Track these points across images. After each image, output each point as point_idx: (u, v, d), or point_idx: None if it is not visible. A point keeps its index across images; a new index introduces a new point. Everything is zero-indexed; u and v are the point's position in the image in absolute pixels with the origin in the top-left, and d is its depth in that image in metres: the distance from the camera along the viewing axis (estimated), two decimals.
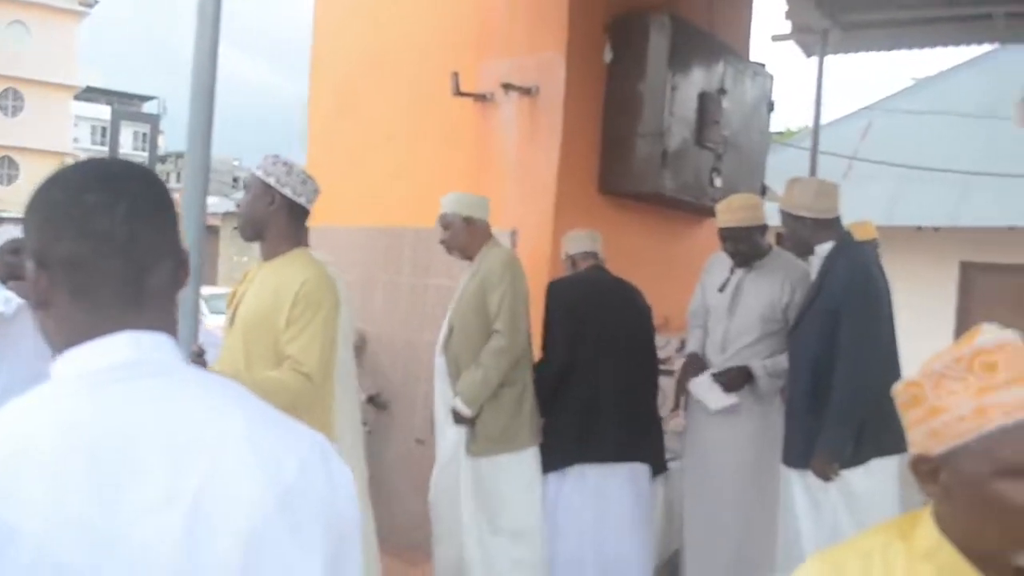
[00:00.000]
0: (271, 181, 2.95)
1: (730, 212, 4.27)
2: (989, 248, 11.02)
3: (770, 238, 4.62)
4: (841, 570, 1.30)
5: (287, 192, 2.95)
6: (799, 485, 3.67)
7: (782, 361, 4.11)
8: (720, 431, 4.29)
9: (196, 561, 0.97)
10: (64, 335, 1.15)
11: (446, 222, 4.26)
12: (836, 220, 3.86)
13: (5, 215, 40.35)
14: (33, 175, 43.21)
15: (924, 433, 1.27)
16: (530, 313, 4.24)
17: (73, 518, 0.96)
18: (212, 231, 29.10)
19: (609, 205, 5.29)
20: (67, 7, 43.72)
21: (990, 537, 1.24)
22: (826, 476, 3.52)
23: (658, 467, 4.45)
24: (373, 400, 5.23)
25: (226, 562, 0.97)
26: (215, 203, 34.06)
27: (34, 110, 43.28)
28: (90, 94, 56.31)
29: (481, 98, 5.15)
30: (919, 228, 11.08)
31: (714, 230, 6.39)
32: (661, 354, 5.24)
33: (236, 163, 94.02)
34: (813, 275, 3.92)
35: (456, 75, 5.04)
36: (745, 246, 4.28)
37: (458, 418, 4.04)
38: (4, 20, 42.04)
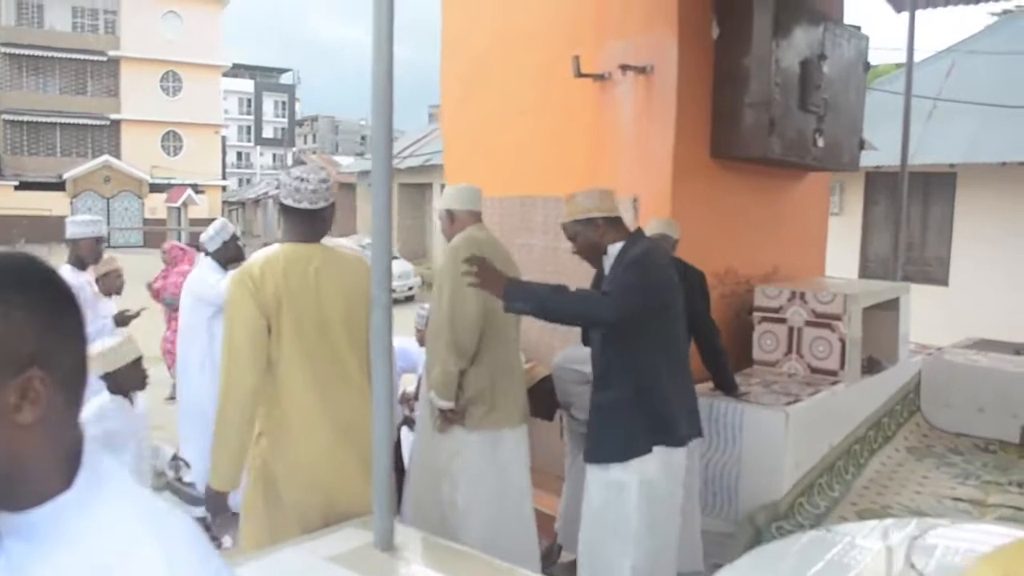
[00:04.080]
0: (279, 195, 2.95)
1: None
2: None
3: None
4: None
5: (281, 199, 2.93)
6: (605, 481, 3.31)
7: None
8: None
9: None
10: (54, 456, 0.94)
11: (439, 216, 4.03)
12: (621, 220, 3.43)
13: (175, 181, 42.01)
14: (194, 146, 44.77)
15: None
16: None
17: None
18: (349, 188, 29.61)
19: (719, 168, 5.18)
20: None
21: None
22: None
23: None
24: None
25: None
26: (350, 163, 34.78)
27: (190, 89, 44.50)
28: (235, 70, 57.55)
29: (600, 78, 5.08)
30: (1003, 164, 10.51)
31: (814, 182, 6.25)
32: (773, 303, 5.17)
33: (363, 123, 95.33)
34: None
35: (577, 58, 4.97)
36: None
37: (442, 411, 3.71)
38: (160, 11, 43.16)
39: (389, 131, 2.56)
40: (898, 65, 12.10)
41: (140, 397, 3.80)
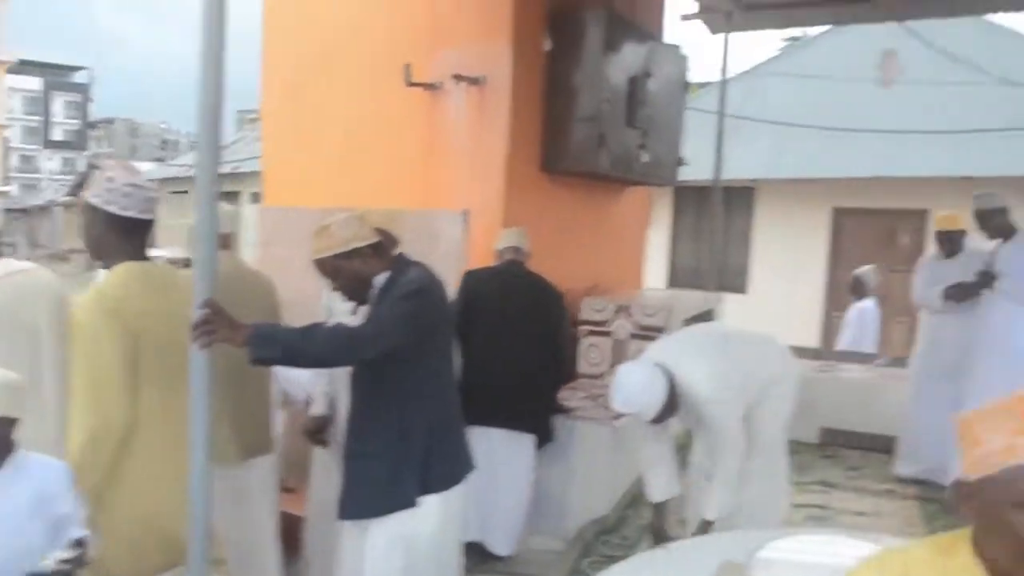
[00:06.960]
0: (97, 202, 2.52)
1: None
2: (856, 195, 11.26)
3: None
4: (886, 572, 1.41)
5: (112, 209, 2.50)
6: None
7: None
8: None
9: None
10: None
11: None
12: (382, 245, 2.88)
13: None
14: None
15: (967, 460, 1.33)
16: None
17: None
18: None
19: (550, 181, 5.18)
20: None
21: (1006, 559, 1.31)
22: None
23: (542, 438, 4.31)
24: None
25: None
26: (150, 168, 32.62)
27: None
28: (23, 67, 53.16)
29: (431, 87, 4.92)
30: (796, 179, 11.24)
31: (636, 196, 6.39)
32: (599, 316, 5.20)
33: (164, 126, 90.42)
34: None
35: (408, 67, 4.80)
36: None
37: None
38: None
39: (215, 140, 2.30)
40: (701, 84, 12.65)
41: None
